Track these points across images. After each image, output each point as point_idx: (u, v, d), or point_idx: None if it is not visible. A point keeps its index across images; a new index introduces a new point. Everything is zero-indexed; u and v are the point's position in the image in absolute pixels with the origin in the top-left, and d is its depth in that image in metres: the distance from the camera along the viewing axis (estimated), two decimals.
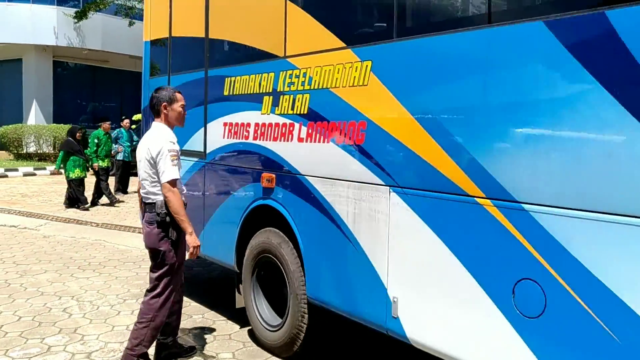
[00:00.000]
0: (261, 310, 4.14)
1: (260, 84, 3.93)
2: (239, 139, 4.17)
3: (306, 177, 3.54)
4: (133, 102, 26.14)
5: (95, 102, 26.00)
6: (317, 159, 3.46)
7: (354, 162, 3.18)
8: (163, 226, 3.55)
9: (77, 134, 10.80)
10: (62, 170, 10.70)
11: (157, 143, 3.54)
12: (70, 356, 3.93)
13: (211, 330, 4.49)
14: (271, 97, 3.82)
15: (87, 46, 22.97)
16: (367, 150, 3.10)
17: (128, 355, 3.56)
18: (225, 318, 4.75)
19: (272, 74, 3.81)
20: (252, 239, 4.13)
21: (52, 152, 20.88)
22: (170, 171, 3.51)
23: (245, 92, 4.09)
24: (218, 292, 5.52)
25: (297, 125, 3.59)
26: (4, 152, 21.14)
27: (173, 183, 3.51)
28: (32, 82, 22.73)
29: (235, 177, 4.30)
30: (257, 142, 3.97)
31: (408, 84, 2.91)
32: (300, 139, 3.57)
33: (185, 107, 3.84)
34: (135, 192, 11.67)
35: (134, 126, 14.04)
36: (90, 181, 11.23)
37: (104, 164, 11.13)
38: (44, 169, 18.48)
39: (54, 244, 7.74)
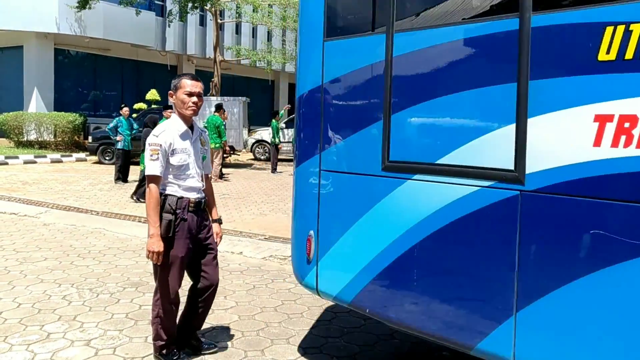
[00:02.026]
0: None
1: None
2: None
3: None
4: (134, 91, 26.22)
5: (96, 90, 26.01)
6: None
7: None
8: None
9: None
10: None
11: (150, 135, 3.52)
12: (69, 343, 3.94)
13: (210, 319, 4.49)
14: None
15: (88, 34, 22.93)
16: None
17: (154, 346, 3.68)
18: (224, 308, 4.75)
19: None
20: None
21: (53, 139, 20.87)
22: (149, 167, 3.41)
23: None
24: None
25: None
26: (4, 139, 21.14)
27: (151, 179, 3.41)
28: (33, 69, 22.70)
29: None
30: None
31: None
32: None
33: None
34: (135, 180, 11.71)
35: (134, 115, 14.04)
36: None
37: None
38: (45, 156, 18.49)
39: (54, 232, 7.74)
